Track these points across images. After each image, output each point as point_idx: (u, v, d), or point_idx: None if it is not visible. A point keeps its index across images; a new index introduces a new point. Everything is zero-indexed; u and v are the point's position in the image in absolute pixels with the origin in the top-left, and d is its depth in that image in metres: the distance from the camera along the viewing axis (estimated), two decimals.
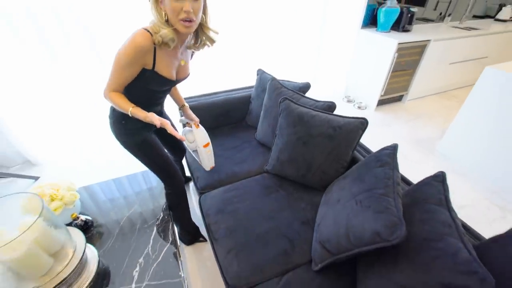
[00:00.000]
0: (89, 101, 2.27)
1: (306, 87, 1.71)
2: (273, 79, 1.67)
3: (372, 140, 1.54)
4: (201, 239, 1.64)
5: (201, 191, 1.50)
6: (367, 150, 1.43)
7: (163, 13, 0.91)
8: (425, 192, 0.92)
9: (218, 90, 2.06)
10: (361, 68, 3.13)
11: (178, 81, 1.15)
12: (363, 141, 1.50)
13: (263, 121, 1.72)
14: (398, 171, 0.99)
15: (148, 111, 1.03)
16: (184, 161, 1.85)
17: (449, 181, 0.92)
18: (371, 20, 3.04)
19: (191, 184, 2.05)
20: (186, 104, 1.42)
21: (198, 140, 1.35)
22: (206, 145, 1.38)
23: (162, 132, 1.29)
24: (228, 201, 1.36)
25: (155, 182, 1.56)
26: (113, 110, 1.14)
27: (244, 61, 2.60)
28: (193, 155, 1.50)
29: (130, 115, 1.01)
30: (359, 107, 3.19)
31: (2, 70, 1.87)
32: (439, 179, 0.93)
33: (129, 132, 1.16)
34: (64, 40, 1.94)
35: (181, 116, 1.50)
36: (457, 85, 3.73)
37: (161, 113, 1.36)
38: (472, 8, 3.73)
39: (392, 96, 3.19)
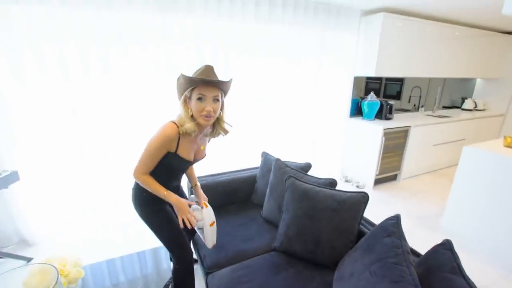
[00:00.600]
0: (92, 185, 2.37)
1: (307, 166, 1.88)
2: (278, 159, 1.84)
3: (373, 217, 1.60)
4: None
5: (208, 271, 1.44)
6: (372, 224, 1.47)
7: (189, 110, 1.15)
8: (436, 261, 0.95)
9: (225, 171, 2.20)
10: (354, 151, 3.43)
11: (195, 161, 1.33)
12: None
13: (269, 199, 1.80)
14: (405, 240, 1.03)
15: (168, 186, 1.21)
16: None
17: (463, 259, 0.93)
18: (356, 111, 3.53)
19: (196, 266, 1.94)
20: (198, 184, 1.55)
21: (205, 219, 1.40)
22: (212, 224, 1.43)
23: None
24: (237, 281, 1.30)
25: (151, 266, 1.52)
26: (136, 184, 1.28)
27: (248, 146, 2.87)
28: (198, 232, 1.52)
29: (163, 198, 1.18)
30: (357, 186, 3.31)
31: (12, 147, 2.01)
32: (447, 247, 0.97)
33: (149, 202, 1.28)
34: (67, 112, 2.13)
35: (191, 194, 1.59)
36: (445, 164, 3.99)
37: (178, 188, 1.46)
38: (440, 101, 4.37)
39: (386, 175, 3.37)
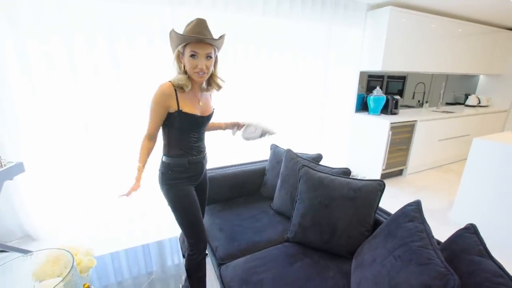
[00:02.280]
0: (96, 181, 2.33)
1: (318, 157, 1.86)
2: (289, 150, 1.82)
3: None
4: None
5: (220, 262, 1.42)
6: (388, 213, 1.45)
7: (182, 65, 1.18)
8: (461, 244, 0.93)
9: (233, 164, 2.17)
10: (360, 146, 3.42)
11: (205, 118, 1.30)
12: None
13: (280, 190, 1.78)
14: (428, 224, 1.01)
15: (190, 153, 1.29)
16: None
17: None
18: (362, 106, 3.51)
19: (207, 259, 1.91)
20: (223, 122, 1.57)
21: (262, 124, 1.48)
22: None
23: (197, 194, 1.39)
24: (252, 271, 1.28)
25: (156, 262, 1.49)
26: (162, 164, 1.30)
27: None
28: (261, 137, 1.54)
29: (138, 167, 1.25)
30: None
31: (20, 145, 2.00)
32: (471, 231, 0.95)
33: (174, 183, 1.29)
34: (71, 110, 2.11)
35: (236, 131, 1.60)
36: (450, 159, 3.98)
37: (203, 150, 1.38)
38: (443, 97, 4.36)
39: (392, 170, 3.35)
